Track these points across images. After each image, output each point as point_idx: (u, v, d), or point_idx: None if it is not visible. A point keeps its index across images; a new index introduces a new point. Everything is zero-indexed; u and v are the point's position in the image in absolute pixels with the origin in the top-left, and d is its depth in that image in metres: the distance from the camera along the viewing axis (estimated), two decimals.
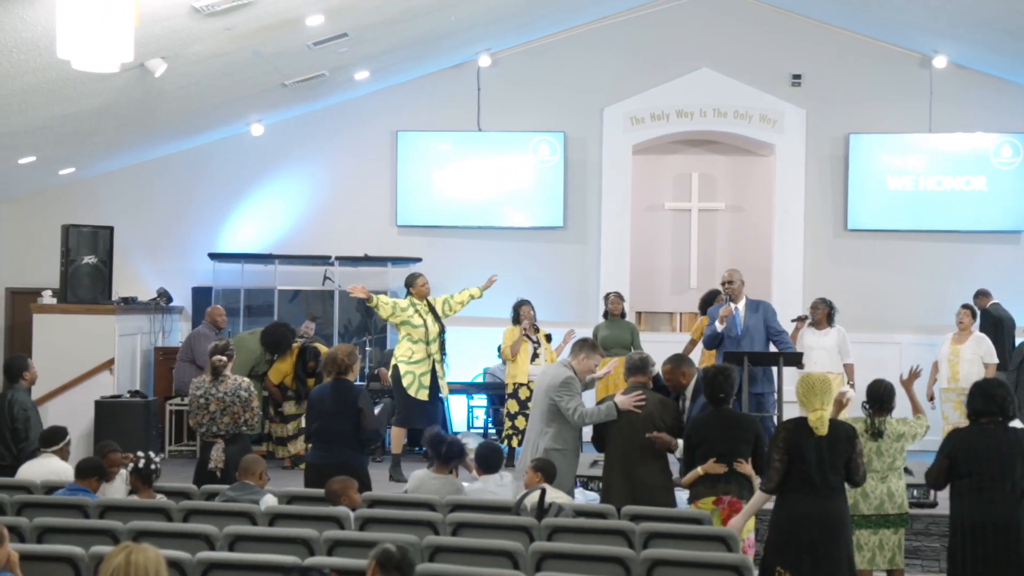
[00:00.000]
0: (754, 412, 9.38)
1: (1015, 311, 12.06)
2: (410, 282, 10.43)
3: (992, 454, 6.06)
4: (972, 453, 6.11)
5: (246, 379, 8.46)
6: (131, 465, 6.90)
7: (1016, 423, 6.41)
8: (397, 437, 10.33)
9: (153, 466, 6.91)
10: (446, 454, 7.07)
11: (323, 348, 11.09)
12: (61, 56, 5.94)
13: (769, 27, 13.25)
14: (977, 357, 11.07)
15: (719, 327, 9.76)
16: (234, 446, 8.21)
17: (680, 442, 6.88)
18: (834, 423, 6.00)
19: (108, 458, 7.17)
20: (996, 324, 11.74)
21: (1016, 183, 12.91)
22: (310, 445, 7.96)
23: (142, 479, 6.85)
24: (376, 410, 10.47)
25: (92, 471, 6.80)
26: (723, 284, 10.02)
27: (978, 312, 11.64)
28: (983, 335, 11.30)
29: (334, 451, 7.49)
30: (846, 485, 6.06)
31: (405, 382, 10.13)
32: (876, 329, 12.80)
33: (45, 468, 7.36)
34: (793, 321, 11.04)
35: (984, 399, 6.20)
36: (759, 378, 9.73)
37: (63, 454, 7.57)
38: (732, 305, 9.84)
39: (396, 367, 10.27)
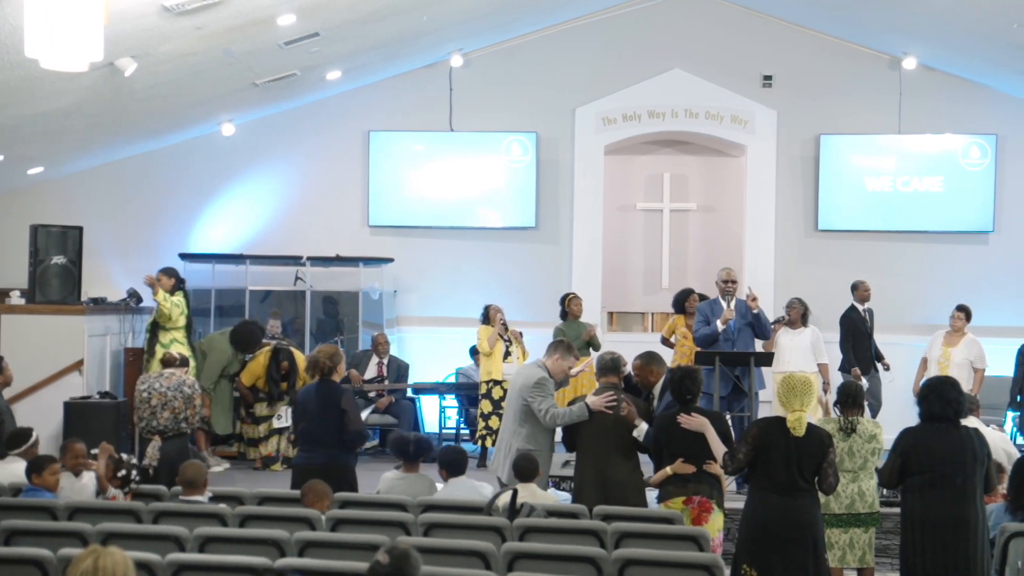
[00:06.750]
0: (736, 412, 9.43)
1: (984, 311, 12.07)
2: None
3: (944, 452, 6.09)
4: (925, 451, 6.12)
5: (191, 377, 8.41)
6: (122, 472, 6.79)
7: (971, 421, 6.44)
8: None
9: (134, 474, 6.85)
10: (414, 453, 7.15)
11: (297, 353, 11.09)
12: (29, 55, 5.87)
13: (740, 28, 13.30)
14: (967, 362, 10.85)
15: (720, 327, 9.71)
16: (171, 444, 8.14)
17: (643, 424, 6.90)
18: (812, 427, 5.97)
19: (72, 449, 7.05)
20: (855, 327, 11.45)
21: (984, 184, 13.02)
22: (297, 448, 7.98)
23: (122, 484, 6.76)
24: (365, 413, 10.46)
25: (33, 469, 6.68)
26: (725, 283, 9.85)
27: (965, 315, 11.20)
28: (975, 338, 10.98)
29: (319, 452, 7.47)
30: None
31: None
32: None
33: (9, 473, 7.23)
34: (774, 323, 11.04)
35: (941, 403, 6.18)
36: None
37: (29, 456, 7.38)
38: (730, 306, 9.81)
39: None
